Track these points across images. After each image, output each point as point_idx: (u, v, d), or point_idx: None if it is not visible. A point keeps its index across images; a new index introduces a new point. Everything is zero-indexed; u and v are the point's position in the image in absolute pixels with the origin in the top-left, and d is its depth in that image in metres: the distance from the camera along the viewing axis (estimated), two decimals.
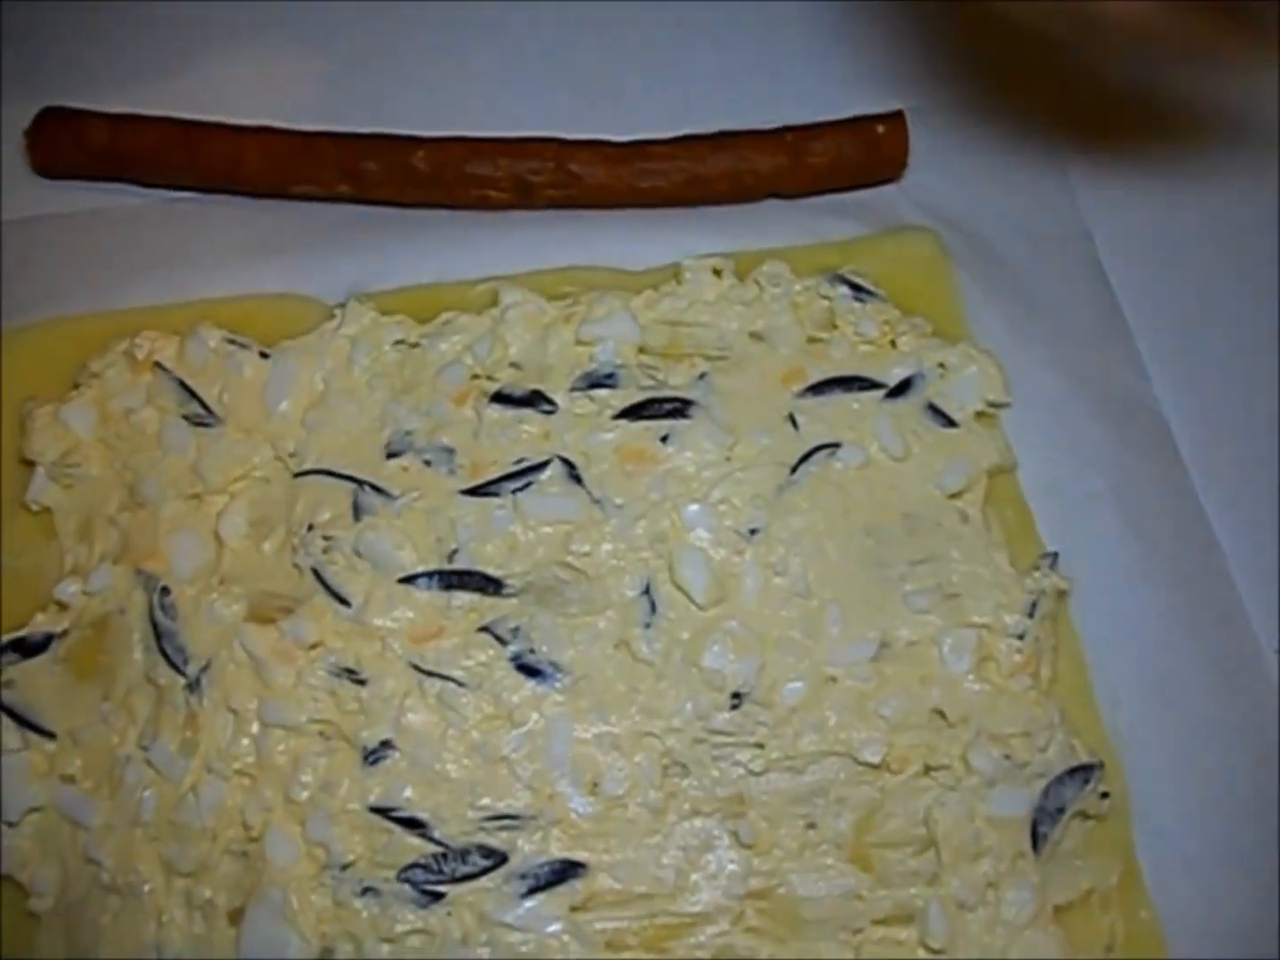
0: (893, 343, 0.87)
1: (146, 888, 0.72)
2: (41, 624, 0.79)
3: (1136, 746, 0.78)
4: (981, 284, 0.90)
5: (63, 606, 0.79)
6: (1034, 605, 0.79)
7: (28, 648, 0.78)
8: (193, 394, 0.84)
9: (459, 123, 0.92)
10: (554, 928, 0.71)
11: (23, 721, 0.76)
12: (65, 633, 0.79)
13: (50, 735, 0.76)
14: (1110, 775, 0.76)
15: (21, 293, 0.89)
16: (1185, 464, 0.85)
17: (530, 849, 0.73)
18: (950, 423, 0.85)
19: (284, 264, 0.90)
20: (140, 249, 0.91)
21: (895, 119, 0.93)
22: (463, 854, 0.72)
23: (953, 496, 0.83)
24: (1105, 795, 0.76)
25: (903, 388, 0.85)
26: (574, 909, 0.72)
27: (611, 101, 0.96)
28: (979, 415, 0.85)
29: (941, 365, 0.86)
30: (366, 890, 0.71)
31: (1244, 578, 0.83)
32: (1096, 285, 0.91)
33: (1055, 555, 0.81)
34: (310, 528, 0.80)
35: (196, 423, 0.84)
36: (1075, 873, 0.74)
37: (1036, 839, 0.74)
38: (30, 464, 0.84)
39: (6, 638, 0.78)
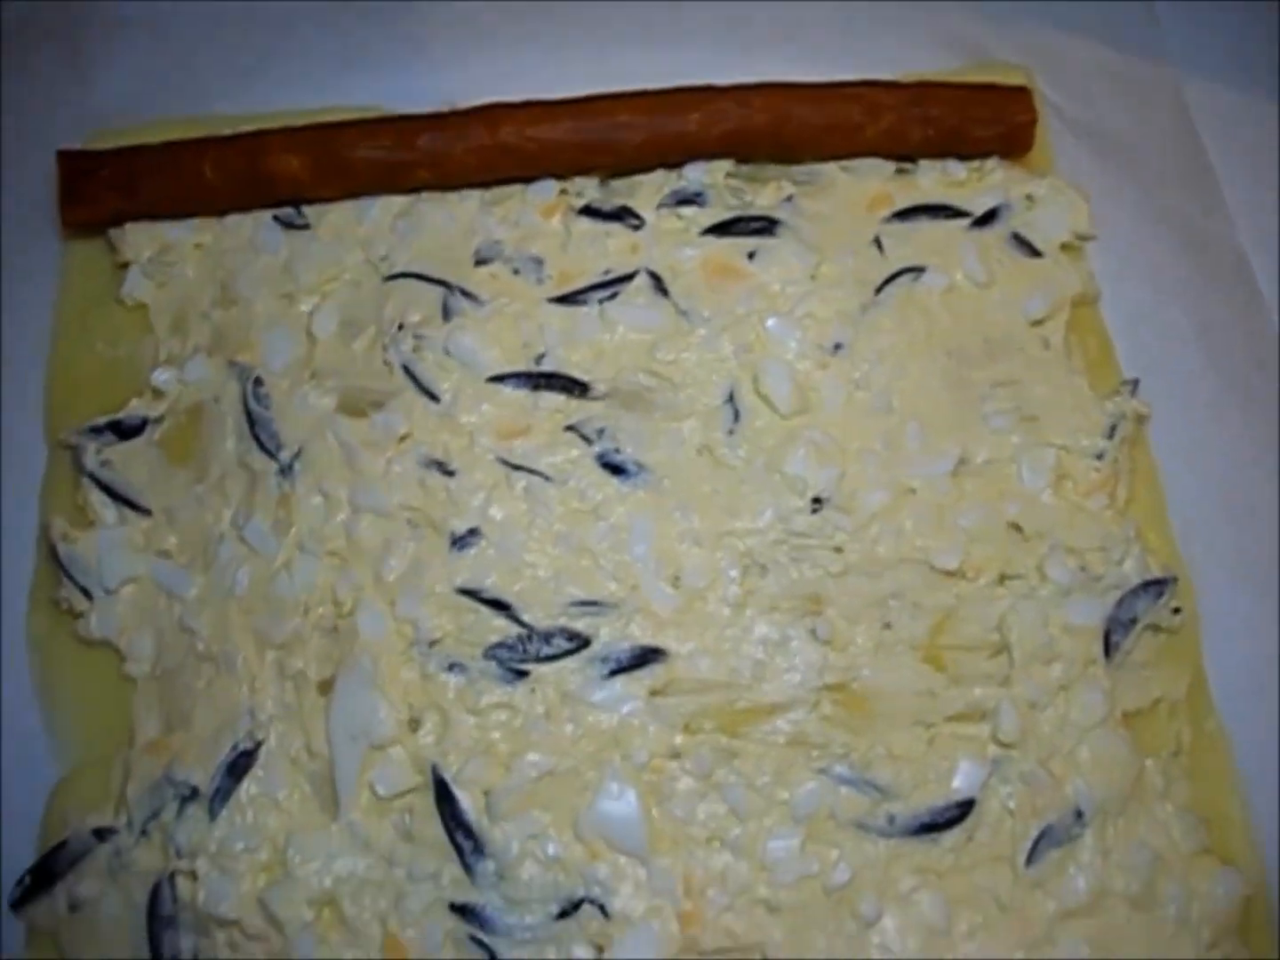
0: (979, 175, 0.88)
1: (240, 657, 0.74)
2: (137, 408, 0.81)
3: (1209, 567, 0.79)
4: (1069, 121, 0.90)
5: (158, 393, 0.81)
6: (1113, 428, 0.80)
7: (124, 430, 0.80)
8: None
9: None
10: (632, 707, 0.73)
11: (119, 498, 0.79)
12: (161, 418, 0.81)
13: (146, 512, 0.78)
14: (1182, 592, 0.78)
15: (107, 97, 0.90)
16: (1265, 301, 0.85)
17: (612, 634, 0.74)
18: (1035, 253, 0.85)
19: (371, 77, 0.90)
20: (227, 55, 0.91)
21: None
22: (547, 636, 0.74)
23: (1035, 324, 0.83)
24: (1177, 610, 0.77)
25: (989, 217, 0.86)
26: (653, 692, 0.73)
27: None
28: (1064, 247, 0.86)
29: (1029, 197, 0.86)
30: (453, 666, 0.73)
31: None
32: (1183, 129, 0.90)
33: (1136, 382, 0.82)
34: (400, 327, 0.81)
35: (288, 225, 0.85)
36: (1145, 682, 0.76)
37: (1109, 647, 0.75)
38: (124, 265, 0.85)
39: (103, 419, 0.80)
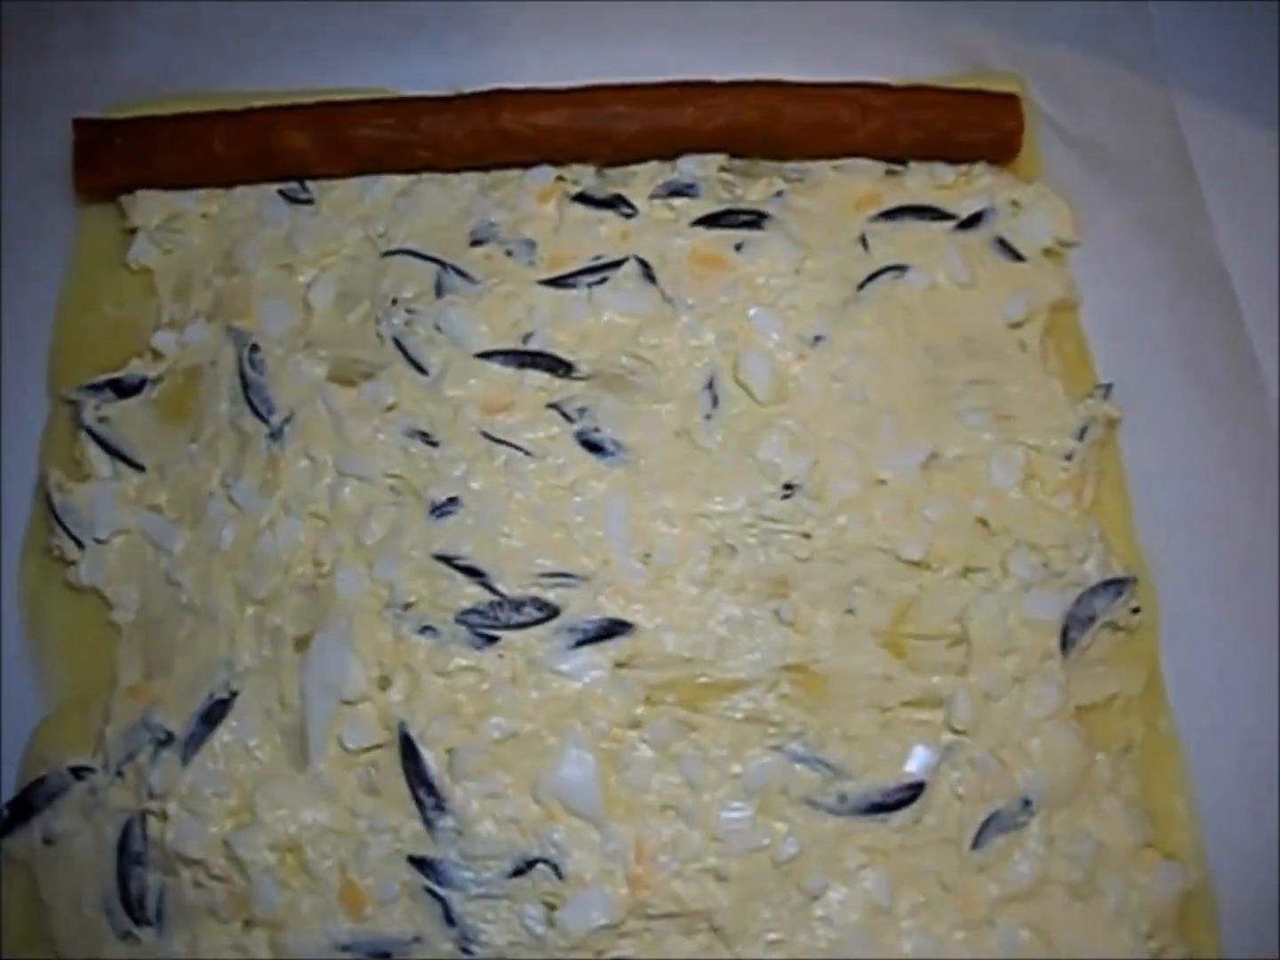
0: (967, 179, 0.90)
1: (221, 611, 0.77)
2: (137, 368, 0.84)
3: (1173, 570, 0.80)
4: (1059, 128, 0.92)
5: (158, 355, 0.84)
6: (1084, 430, 0.82)
7: (123, 388, 0.83)
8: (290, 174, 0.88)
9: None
10: (596, 676, 0.75)
11: (114, 453, 0.81)
12: (159, 379, 0.84)
13: (139, 468, 0.81)
14: (1142, 593, 0.79)
15: (125, 70, 0.93)
16: (1242, 311, 0.86)
17: (581, 606, 0.76)
18: (1018, 257, 0.87)
19: (383, 61, 0.93)
20: (242, 34, 0.94)
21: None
22: (518, 604, 0.76)
23: (1014, 326, 0.85)
24: (1136, 610, 0.79)
25: (974, 220, 0.87)
26: (618, 664, 0.75)
27: None
28: (1046, 252, 0.87)
29: (1014, 202, 0.88)
30: (425, 629, 0.76)
31: None
32: (1173, 142, 0.92)
33: (1109, 386, 0.83)
34: (394, 302, 0.84)
35: (292, 199, 0.88)
36: (1100, 678, 0.77)
37: (1066, 643, 0.77)
38: (133, 231, 0.88)
39: (103, 378, 0.83)
